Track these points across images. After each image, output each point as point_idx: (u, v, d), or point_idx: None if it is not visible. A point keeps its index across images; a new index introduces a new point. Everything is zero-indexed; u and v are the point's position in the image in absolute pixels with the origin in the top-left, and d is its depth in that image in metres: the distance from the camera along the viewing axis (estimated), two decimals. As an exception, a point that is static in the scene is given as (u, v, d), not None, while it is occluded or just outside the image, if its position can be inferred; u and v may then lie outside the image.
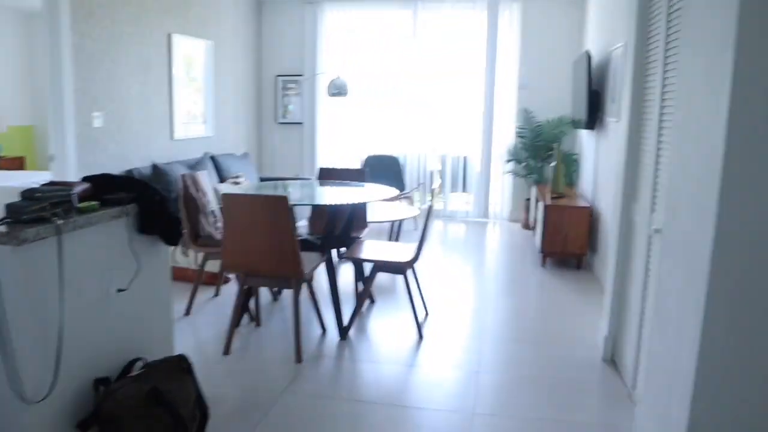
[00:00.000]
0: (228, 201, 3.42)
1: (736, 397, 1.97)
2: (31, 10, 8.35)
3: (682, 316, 2.15)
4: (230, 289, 4.73)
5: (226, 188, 5.06)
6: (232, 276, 4.92)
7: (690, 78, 2.24)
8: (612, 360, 3.58)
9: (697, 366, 1.97)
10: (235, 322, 3.64)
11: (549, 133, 7.25)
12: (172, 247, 4.01)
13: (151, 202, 2.61)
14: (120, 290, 2.52)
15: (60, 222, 2.12)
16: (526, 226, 7.41)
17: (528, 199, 7.45)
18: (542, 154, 7.29)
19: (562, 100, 7.39)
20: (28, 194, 2.23)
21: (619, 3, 5.00)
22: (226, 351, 3.58)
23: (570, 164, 7.07)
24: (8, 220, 2.06)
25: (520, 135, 7.55)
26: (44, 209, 2.13)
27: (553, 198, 5.86)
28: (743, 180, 1.86)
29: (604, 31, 5.77)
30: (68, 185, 2.40)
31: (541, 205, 5.81)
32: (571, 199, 5.96)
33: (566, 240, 5.55)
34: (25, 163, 8.54)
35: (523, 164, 7.46)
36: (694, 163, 2.12)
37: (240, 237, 3.46)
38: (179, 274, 4.84)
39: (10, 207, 2.08)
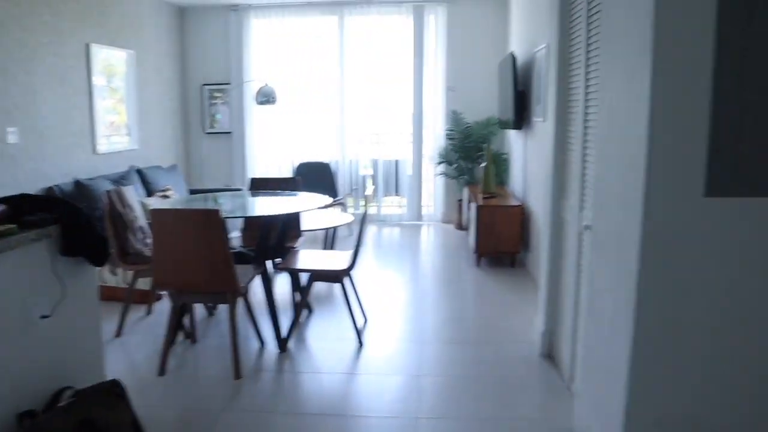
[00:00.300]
0: (156, 216, 3.30)
1: (669, 387, 2.03)
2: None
3: (615, 309, 2.20)
4: (163, 307, 4.57)
5: (155, 202, 4.90)
6: (164, 293, 4.77)
7: (611, 78, 2.31)
8: (549, 355, 3.65)
9: (631, 357, 2.03)
10: (170, 341, 3.52)
11: (478, 134, 7.36)
12: (100, 267, 3.85)
13: (75, 222, 2.49)
14: (44, 317, 2.39)
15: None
16: (460, 226, 7.50)
17: (460, 200, 7.54)
18: (472, 155, 7.40)
19: (490, 101, 7.53)
20: (-63, 219, 2.09)
21: (540, 5, 5.13)
22: (162, 371, 3.45)
23: (500, 164, 7.20)
24: None
25: (449, 137, 7.64)
26: (-45, 235, 2.00)
27: (484, 198, 5.95)
28: (667, 175, 1.92)
29: (528, 33, 5.90)
30: (-18, 208, 2.27)
31: (473, 205, 5.89)
32: (502, 198, 6.07)
33: (499, 239, 5.64)
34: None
35: (454, 166, 7.56)
36: (619, 160, 2.18)
37: (171, 253, 3.35)
38: (108, 294, 4.65)
39: None
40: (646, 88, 1.90)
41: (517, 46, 6.54)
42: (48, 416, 2.23)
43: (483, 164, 6.18)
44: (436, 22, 7.68)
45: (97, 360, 2.80)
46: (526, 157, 5.86)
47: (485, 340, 3.95)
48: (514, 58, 5.65)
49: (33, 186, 5.09)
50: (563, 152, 3.43)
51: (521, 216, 5.64)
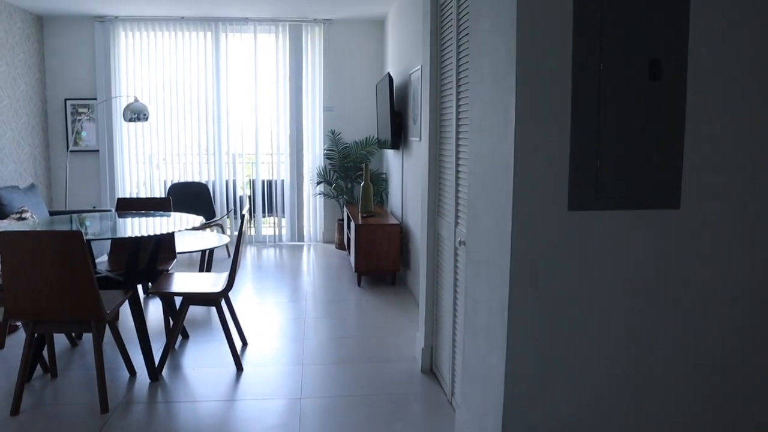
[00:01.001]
0: (5, 240, 3.02)
1: (545, 399, 2.10)
2: None
3: (489, 321, 2.26)
4: (19, 339, 4.19)
5: (9, 225, 4.51)
6: (19, 324, 4.37)
7: (479, 98, 2.39)
8: (431, 370, 3.69)
9: (506, 370, 2.08)
10: (25, 376, 3.21)
11: (357, 153, 7.41)
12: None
13: None
14: None
15: None
16: (341, 246, 7.50)
17: (341, 220, 7.54)
18: (351, 174, 7.44)
19: (369, 121, 7.62)
20: None
21: (414, 28, 5.26)
22: (15, 410, 3.13)
23: (379, 183, 7.28)
24: None
25: (328, 157, 7.64)
26: None
27: (364, 217, 5.98)
28: (533, 191, 2.00)
29: (403, 55, 6.04)
30: None
31: (353, 225, 5.90)
32: (381, 217, 6.13)
33: (379, 258, 5.68)
34: None
35: (334, 185, 7.56)
36: (489, 177, 2.25)
37: (25, 280, 3.07)
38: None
39: None
40: (511, 107, 1.98)
41: (394, 67, 6.68)
42: None
43: (362, 184, 6.22)
44: (313, 42, 7.69)
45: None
46: (404, 176, 5.96)
47: (368, 359, 3.93)
48: (390, 79, 5.75)
49: None
50: (438, 170, 3.51)
51: (400, 234, 5.72)
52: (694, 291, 2.10)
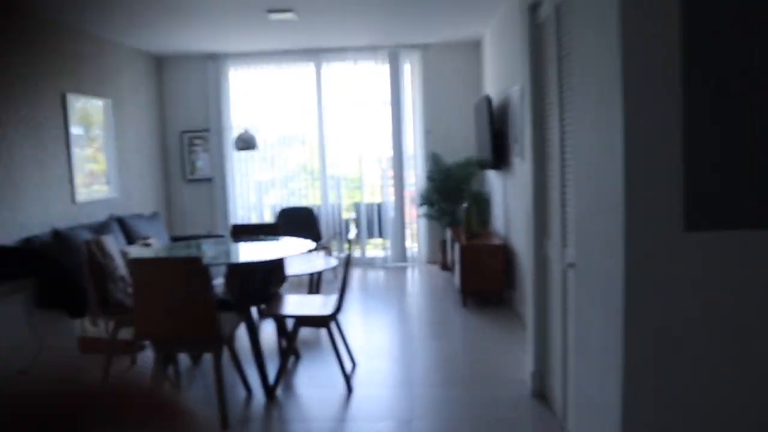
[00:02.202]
0: (135, 266, 3.26)
1: (662, 424, 2.02)
2: None
3: (604, 347, 2.20)
4: (147, 356, 4.48)
5: (136, 251, 4.84)
6: (148, 343, 4.67)
7: (584, 118, 2.35)
8: (541, 395, 3.61)
9: (623, 396, 2.01)
10: (153, 393, 3.43)
11: (458, 175, 7.43)
12: (79, 318, 3.77)
13: (50, 274, 2.45)
14: (21, 372, 2.33)
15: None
16: (444, 267, 7.50)
17: (444, 241, 7.56)
18: (453, 196, 7.45)
19: (468, 142, 7.62)
20: None
21: (512, 49, 5.24)
22: (144, 425, 3.35)
23: (481, 204, 7.25)
24: None
25: (430, 178, 7.70)
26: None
27: (467, 238, 5.97)
28: (645, 212, 1.94)
29: (501, 75, 6.02)
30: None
31: (457, 246, 5.90)
32: (485, 238, 6.09)
33: (484, 278, 5.65)
34: None
35: (436, 207, 7.60)
36: (598, 199, 2.20)
37: (152, 302, 3.30)
38: (90, 345, 4.53)
39: None
40: (619, 127, 1.94)
41: (492, 87, 6.67)
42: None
43: (464, 205, 6.22)
44: (411, 67, 7.82)
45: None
46: (507, 196, 5.91)
47: (475, 381, 3.91)
48: (489, 100, 5.74)
49: (9, 237, 4.99)
50: (543, 191, 3.46)
51: (504, 255, 5.66)
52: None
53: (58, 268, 2.47)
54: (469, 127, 7.60)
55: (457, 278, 5.96)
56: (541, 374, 3.62)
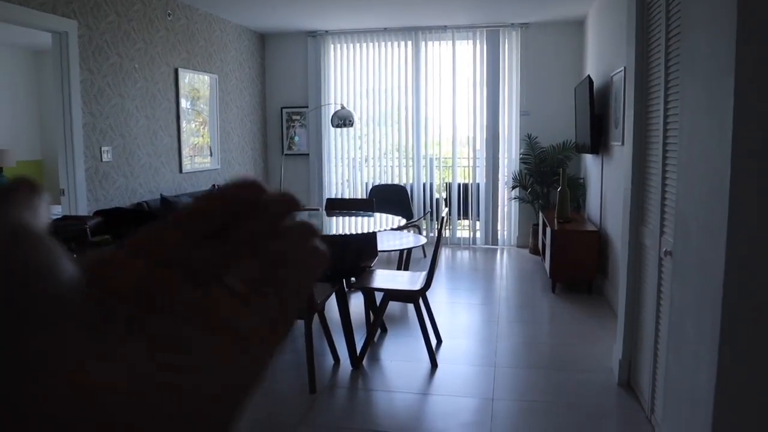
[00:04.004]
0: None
1: (756, 419, 1.96)
2: (39, 47, 8.49)
3: (698, 338, 2.14)
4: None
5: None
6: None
7: (692, 101, 2.27)
8: (628, 384, 3.55)
9: (716, 389, 1.96)
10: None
11: (553, 158, 7.29)
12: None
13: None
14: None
15: (74, 257, 2.14)
16: (535, 251, 7.41)
17: (535, 225, 7.46)
18: (548, 179, 7.32)
19: (566, 125, 7.44)
20: (44, 230, 2.26)
21: (618, 28, 5.06)
22: (239, 383, 3.56)
23: (576, 189, 7.09)
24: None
25: (524, 161, 7.59)
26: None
27: (560, 223, 5.87)
28: (752, 200, 1.87)
29: (605, 56, 5.83)
30: (81, 219, 2.43)
31: (548, 230, 5.82)
32: (578, 223, 5.97)
33: (575, 265, 5.54)
34: (35, 198, 8.62)
35: (529, 190, 7.49)
36: (702, 185, 2.13)
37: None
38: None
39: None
40: (729, 112, 1.87)
41: (594, 69, 6.46)
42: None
43: (558, 189, 6.11)
44: (510, 47, 7.69)
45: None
46: (604, 182, 5.75)
47: (560, 366, 3.88)
48: (591, 82, 5.58)
49: (124, 201, 5.38)
50: (642, 176, 3.36)
51: (598, 242, 5.53)
52: None
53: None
54: (567, 109, 7.41)
55: (547, 263, 5.88)
56: (629, 363, 3.54)
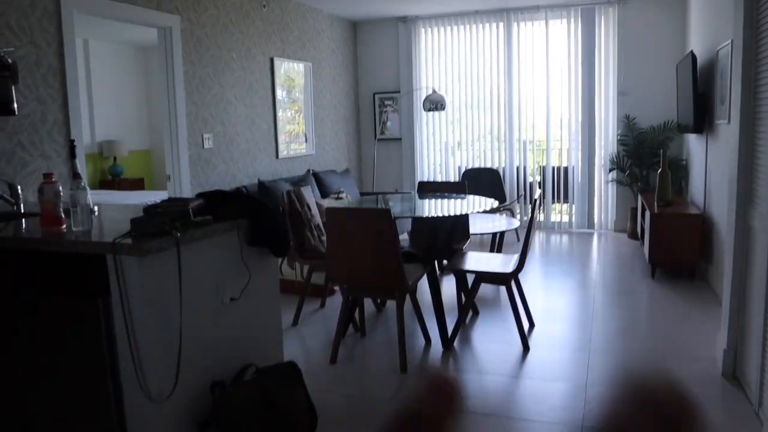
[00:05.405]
0: (332, 215, 3.53)
1: None
2: (146, 44, 8.98)
3: (810, 322, 2.01)
4: (335, 301, 4.84)
5: (329, 203, 5.21)
6: (337, 288, 5.05)
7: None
8: (733, 375, 3.37)
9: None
10: (341, 332, 3.73)
11: (653, 139, 6.98)
12: (280, 260, 4.17)
13: (261, 217, 2.74)
14: (233, 299, 2.66)
15: (179, 234, 2.27)
16: (633, 235, 7.14)
17: (634, 208, 7.18)
18: (647, 161, 7.03)
19: (666, 104, 7.10)
20: (151, 210, 2.41)
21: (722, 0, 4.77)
22: (333, 360, 3.67)
23: (678, 171, 6.77)
24: (133, 233, 2.23)
25: (622, 143, 7.32)
26: (165, 223, 2.28)
27: (660, 206, 5.62)
28: None
29: (709, 30, 5.51)
30: (185, 201, 2.56)
31: (648, 214, 5.59)
32: (680, 207, 5.70)
33: (676, 250, 5.30)
34: (145, 183, 9.21)
35: (627, 173, 7.22)
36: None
37: (344, 250, 3.56)
38: (286, 286, 5.01)
39: (134, 222, 2.25)
40: None
41: (697, 44, 6.12)
42: (236, 387, 2.47)
43: (659, 171, 5.85)
44: (607, 24, 7.40)
45: (277, 343, 3.03)
46: (708, 163, 5.46)
47: (659, 354, 3.74)
48: (694, 58, 5.29)
49: (223, 185, 5.64)
50: (750, 155, 3.17)
51: (701, 226, 5.26)
52: None
53: (267, 212, 2.76)
54: (668, 88, 7.07)
55: (646, 248, 5.65)
56: (735, 353, 3.37)
